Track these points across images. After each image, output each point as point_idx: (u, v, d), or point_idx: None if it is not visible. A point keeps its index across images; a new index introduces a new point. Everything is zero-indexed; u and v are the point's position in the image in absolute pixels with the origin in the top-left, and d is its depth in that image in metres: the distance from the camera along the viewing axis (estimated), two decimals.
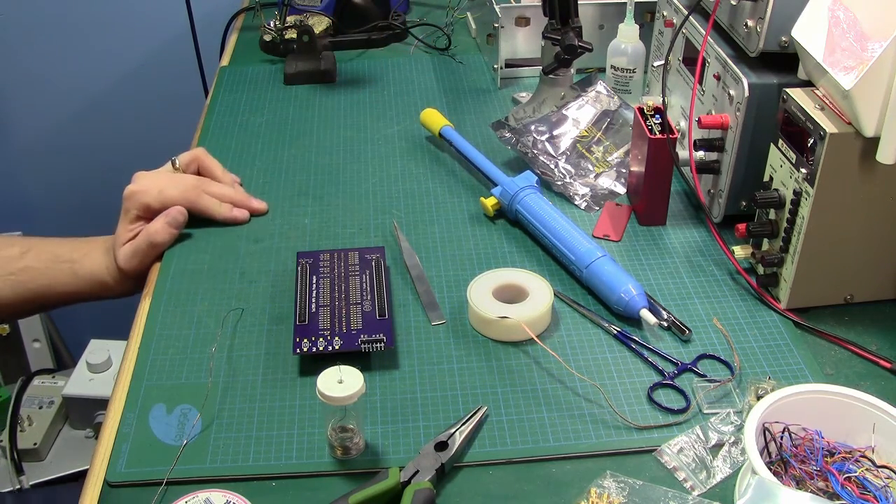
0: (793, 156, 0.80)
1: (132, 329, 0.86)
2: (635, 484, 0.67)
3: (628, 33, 1.14)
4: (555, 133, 1.06)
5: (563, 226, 0.91)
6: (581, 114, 1.08)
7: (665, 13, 1.08)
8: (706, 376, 0.78)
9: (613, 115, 1.08)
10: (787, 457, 0.66)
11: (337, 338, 0.80)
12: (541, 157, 1.04)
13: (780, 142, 0.82)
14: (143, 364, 0.81)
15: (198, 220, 0.98)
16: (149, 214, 0.95)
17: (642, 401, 0.76)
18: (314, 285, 0.86)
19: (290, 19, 1.34)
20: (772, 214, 0.84)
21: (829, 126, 0.75)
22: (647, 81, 1.17)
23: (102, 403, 1.43)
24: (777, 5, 0.83)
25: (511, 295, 0.85)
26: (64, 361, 1.94)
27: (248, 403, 0.77)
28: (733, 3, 0.90)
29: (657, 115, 0.94)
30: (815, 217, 0.78)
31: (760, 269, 0.87)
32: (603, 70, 1.19)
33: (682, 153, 0.94)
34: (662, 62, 1.04)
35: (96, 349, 1.62)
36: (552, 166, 1.04)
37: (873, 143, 0.73)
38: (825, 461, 0.66)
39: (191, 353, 0.82)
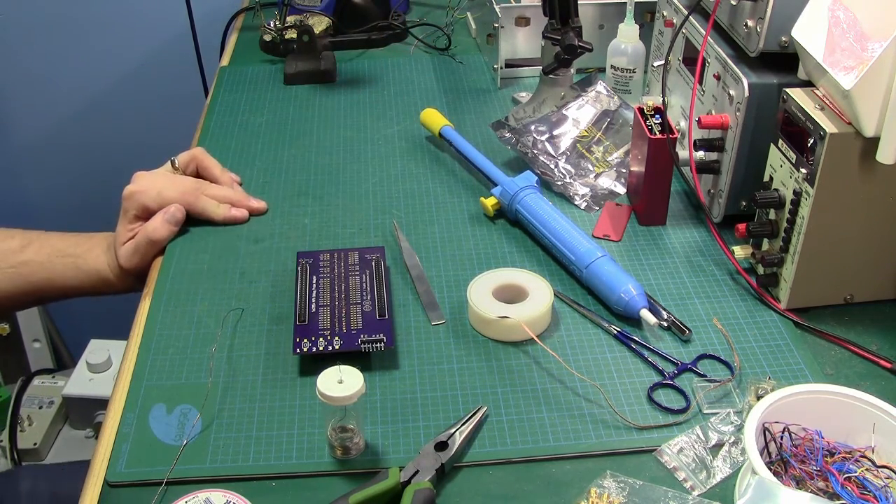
0: (793, 156, 0.80)
1: (132, 329, 0.86)
2: (635, 484, 0.68)
3: (628, 33, 1.14)
4: (555, 133, 1.06)
5: (563, 226, 0.91)
6: (581, 114, 1.08)
7: (665, 13, 1.08)
8: (706, 376, 0.78)
9: (613, 115, 1.08)
10: (787, 457, 0.66)
11: (337, 338, 0.80)
12: (541, 157, 1.04)
13: (780, 142, 0.82)
14: (143, 364, 0.81)
15: (198, 220, 0.98)
16: (147, 215, 0.95)
17: (642, 401, 0.76)
18: (314, 285, 0.86)
19: (290, 19, 1.34)
20: (772, 214, 0.84)
21: (829, 126, 0.75)
22: (647, 81, 1.17)
23: (102, 403, 1.43)
24: (777, 5, 0.83)
25: (511, 295, 0.85)
26: (64, 361, 1.94)
27: (248, 403, 0.77)
28: (733, 3, 0.90)
29: (657, 115, 0.94)
30: (815, 217, 0.78)
31: (760, 269, 0.87)
32: (603, 70, 1.19)
33: (682, 153, 0.94)
34: (662, 62, 1.04)
35: (96, 349, 1.62)
36: (552, 166, 1.04)
37: (873, 143, 0.73)
38: (825, 461, 0.66)
39: (191, 353, 0.82)
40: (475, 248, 0.95)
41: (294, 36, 1.31)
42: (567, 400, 0.76)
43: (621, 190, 1.03)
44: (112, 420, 0.75)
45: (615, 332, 0.83)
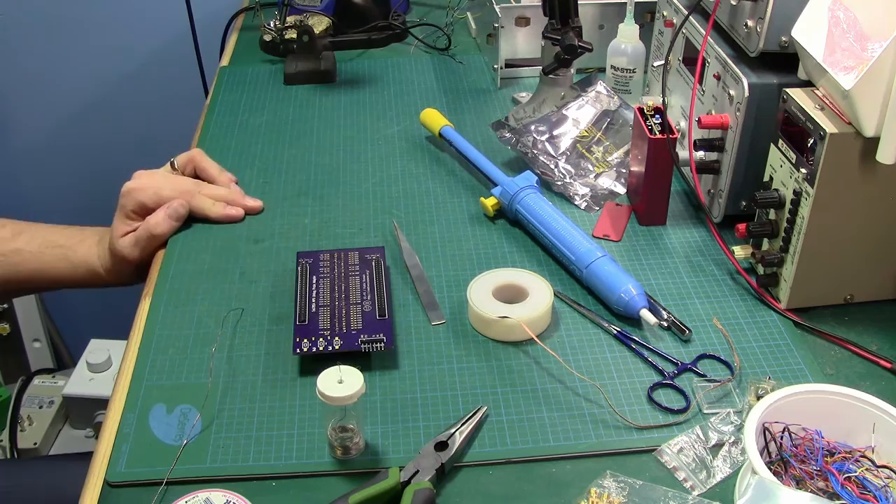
0: (793, 156, 0.80)
1: (132, 329, 0.86)
2: (635, 484, 0.68)
3: (628, 33, 1.14)
4: (555, 133, 1.06)
5: (562, 226, 0.91)
6: (581, 114, 1.08)
7: (665, 13, 1.08)
8: (706, 376, 0.78)
9: (613, 115, 1.08)
10: (787, 457, 0.66)
11: (337, 338, 0.80)
12: (541, 157, 1.04)
13: (780, 142, 0.82)
14: (143, 364, 0.81)
15: (199, 220, 0.98)
16: (143, 212, 0.96)
17: (642, 401, 0.76)
18: (314, 285, 0.86)
19: (290, 19, 1.34)
20: (772, 214, 0.84)
21: (829, 126, 0.75)
22: (647, 81, 1.17)
23: (102, 403, 1.43)
24: (777, 5, 0.83)
25: (511, 295, 0.85)
26: (64, 361, 1.94)
27: (248, 403, 0.77)
28: (733, 3, 0.90)
29: (657, 115, 0.94)
30: (815, 217, 0.78)
31: (760, 269, 0.88)
32: (603, 70, 1.19)
33: (682, 153, 0.94)
34: (662, 62, 1.04)
35: (96, 349, 1.62)
36: (552, 166, 1.04)
37: (873, 143, 0.73)
38: (825, 461, 0.66)
39: (191, 353, 0.82)
40: (475, 248, 0.95)
41: (294, 36, 1.31)
42: (567, 400, 0.76)
43: (621, 190, 1.03)
44: (112, 420, 0.75)
45: (615, 332, 0.83)
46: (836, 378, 0.78)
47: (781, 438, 0.67)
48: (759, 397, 0.73)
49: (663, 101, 0.96)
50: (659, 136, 0.92)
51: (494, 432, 0.73)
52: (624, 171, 1.04)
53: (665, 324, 0.83)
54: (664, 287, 0.89)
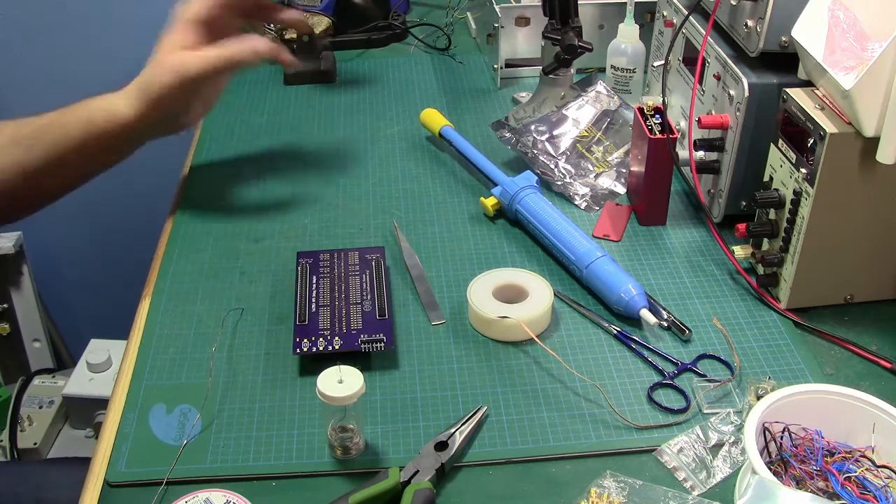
0: (793, 156, 0.80)
1: (132, 329, 0.86)
2: (635, 484, 0.68)
3: (628, 33, 1.14)
4: (555, 133, 1.06)
5: (562, 226, 0.91)
6: (581, 114, 1.08)
7: (665, 13, 1.09)
8: (706, 376, 0.78)
9: (613, 115, 1.08)
10: (787, 457, 0.66)
11: (337, 338, 0.80)
12: (541, 157, 1.04)
13: (780, 142, 0.82)
14: (143, 364, 0.81)
15: (199, 219, 0.98)
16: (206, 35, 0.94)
17: (642, 401, 0.76)
18: (314, 285, 0.86)
19: None
20: (772, 214, 0.84)
21: (829, 126, 0.75)
22: (647, 81, 1.17)
23: (102, 403, 1.43)
24: (777, 5, 0.83)
25: (511, 295, 0.85)
26: (64, 361, 1.94)
27: (248, 403, 0.77)
28: (733, 3, 0.90)
29: (657, 115, 0.94)
30: (815, 217, 0.78)
31: (760, 269, 0.88)
32: (603, 70, 1.19)
33: (682, 153, 0.94)
34: (662, 62, 1.04)
35: (96, 349, 1.62)
36: (552, 166, 1.04)
37: (873, 143, 0.73)
38: (825, 461, 0.66)
39: (191, 353, 0.82)
40: (475, 248, 0.95)
41: (294, 36, 1.31)
42: (567, 400, 0.77)
43: (621, 190, 1.03)
44: (112, 420, 0.75)
45: (615, 332, 0.83)
46: (836, 378, 0.78)
47: (781, 438, 0.67)
48: (759, 397, 0.74)
49: (663, 101, 0.96)
50: (659, 136, 0.92)
51: (494, 432, 0.73)
52: (624, 171, 1.04)
53: (665, 324, 0.83)
54: (664, 287, 0.89)
